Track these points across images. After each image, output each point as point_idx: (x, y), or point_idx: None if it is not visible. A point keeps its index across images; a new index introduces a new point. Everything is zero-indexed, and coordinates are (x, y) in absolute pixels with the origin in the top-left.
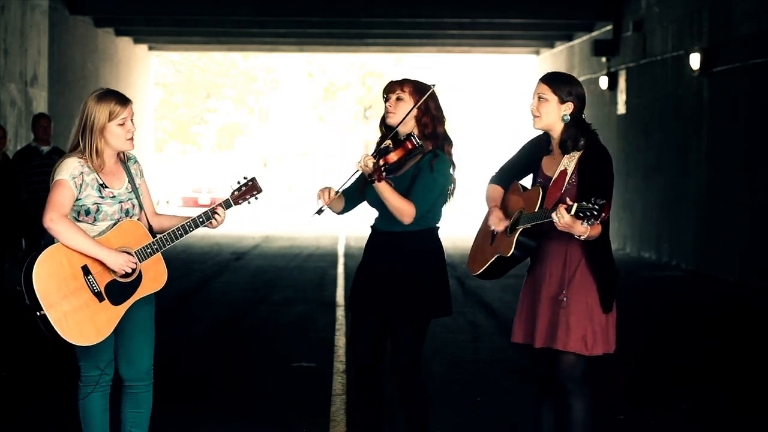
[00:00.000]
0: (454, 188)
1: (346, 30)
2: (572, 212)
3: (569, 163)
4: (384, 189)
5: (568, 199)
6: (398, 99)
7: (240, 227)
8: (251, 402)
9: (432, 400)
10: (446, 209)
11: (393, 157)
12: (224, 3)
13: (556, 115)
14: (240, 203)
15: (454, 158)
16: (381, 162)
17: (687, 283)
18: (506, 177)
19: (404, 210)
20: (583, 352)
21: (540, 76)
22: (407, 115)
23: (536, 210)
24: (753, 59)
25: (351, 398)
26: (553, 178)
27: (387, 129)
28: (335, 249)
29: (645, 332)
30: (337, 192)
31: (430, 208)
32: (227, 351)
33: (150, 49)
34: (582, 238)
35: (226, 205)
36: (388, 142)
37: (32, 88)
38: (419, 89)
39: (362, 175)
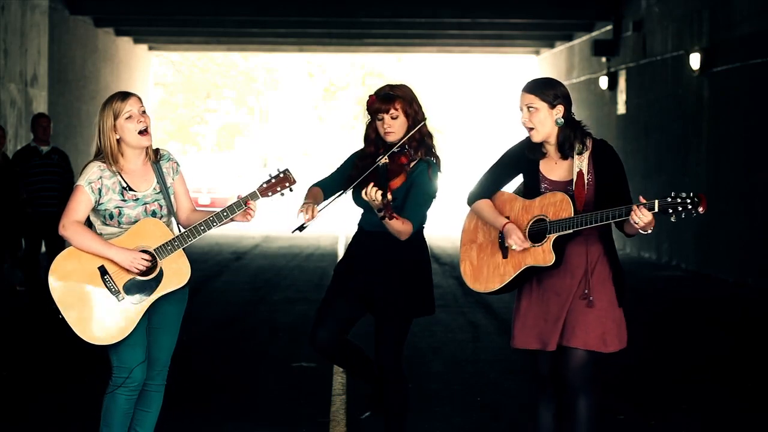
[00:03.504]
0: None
1: (346, 30)
2: (656, 209)
3: (581, 163)
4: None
5: (641, 197)
6: (393, 118)
7: (240, 227)
8: (251, 402)
9: (410, 397)
10: (446, 211)
11: (397, 183)
12: (224, 3)
13: (550, 122)
14: (269, 195)
15: (441, 158)
16: (390, 197)
17: (687, 283)
18: (491, 191)
19: (403, 231)
20: (602, 349)
21: (522, 87)
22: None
23: (572, 215)
24: (753, 59)
25: (351, 398)
26: (574, 180)
27: (376, 144)
28: (335, 249)
29: (645, 332)
30: (319, 210)
31: (424, 219)
32: (227, 351)
33: (150, 49)
34: (648, 231)
35: (252, 197)
36: (385, 159)
37: (32, 88)
38: (407, 100)
39: (350, 178)
